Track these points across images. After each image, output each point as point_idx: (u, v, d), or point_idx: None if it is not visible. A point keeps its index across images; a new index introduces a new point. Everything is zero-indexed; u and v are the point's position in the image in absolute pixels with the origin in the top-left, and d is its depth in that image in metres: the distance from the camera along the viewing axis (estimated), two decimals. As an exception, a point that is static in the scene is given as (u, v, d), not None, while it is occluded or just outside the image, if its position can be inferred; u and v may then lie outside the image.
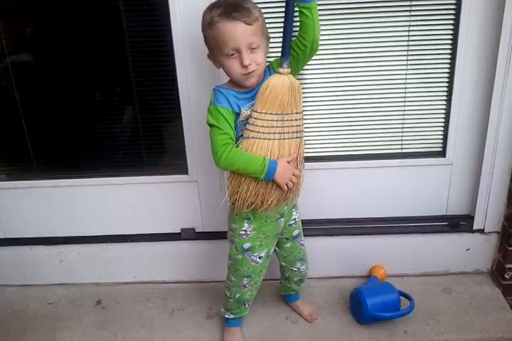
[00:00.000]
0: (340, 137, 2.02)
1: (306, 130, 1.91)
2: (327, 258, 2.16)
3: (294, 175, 1.62)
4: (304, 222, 1.93)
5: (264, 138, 1.59)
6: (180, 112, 1.95)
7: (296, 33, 1.55)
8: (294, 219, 1.85)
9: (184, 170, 2.04)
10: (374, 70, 1.90)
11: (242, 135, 1.62)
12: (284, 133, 1.60)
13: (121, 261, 2.21)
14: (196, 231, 2.14)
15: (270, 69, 1.63)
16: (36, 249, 2.21)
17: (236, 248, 1.77)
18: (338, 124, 1.98)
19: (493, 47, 1.81)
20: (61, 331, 2.01)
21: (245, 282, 1.81)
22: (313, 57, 1.77)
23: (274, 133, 1.59)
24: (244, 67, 1.51)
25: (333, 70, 1.91)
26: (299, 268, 1.92)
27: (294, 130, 1.61)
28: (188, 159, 2.02)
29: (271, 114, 1.57)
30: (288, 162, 1.61)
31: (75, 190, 2.10)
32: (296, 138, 1.62)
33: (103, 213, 2.14)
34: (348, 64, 1.90)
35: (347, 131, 2.00)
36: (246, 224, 1.73)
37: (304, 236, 1.93)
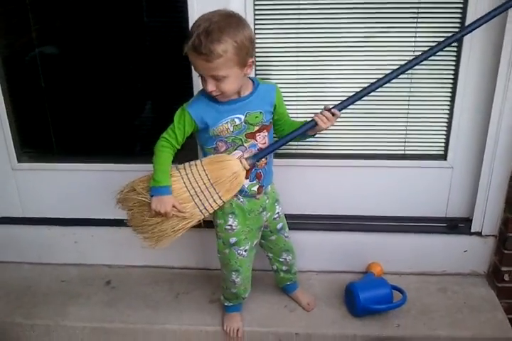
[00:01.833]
0: (346, 136, 2.10)
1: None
2: (328, 252, 2.24)
3: (165, 213, 1.66)
4: (308, 217, 2.02)
5: (184, 182, 1.69)
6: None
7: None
8: (278, 212, 1.93)
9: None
10: (380, 74, 1.97)
11: (215, 148, 1.71)
12: (198, 197, 1.69)
13: (132, 245, 2.28)
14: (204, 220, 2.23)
15: (261, 87, 1.70)
16: (53, 229, 2.33)
17: (223, 242, 1.85)
18: (344, 124, 2.05)
19: (495, 53, 1.87)
20: (71, 307, 2.12)
21: (234, 277, 1.89)
22: (318, 59, 1.88)
23: (193, 188, 1.68)
24: (207, 90, 1.60)
25: (339, 72, 2.00)
26: (285, 259, 2.00)
27: (204, 203, 1.70)
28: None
29: (206, 175, 1.68)
30: (174, 206, 1.66)
31: (92, 175, 2.21)
32: (199, 209, 1.71)
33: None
34: (354, 66, 1.98)
35: (352, 131, 2.08)
36: (231, 219, 1.81)
37: (306, 229, 2.01)
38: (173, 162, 1.72)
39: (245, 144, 1.71)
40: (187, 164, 1.73)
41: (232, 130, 1.67)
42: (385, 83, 1.70)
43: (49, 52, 2.12)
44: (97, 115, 2.19)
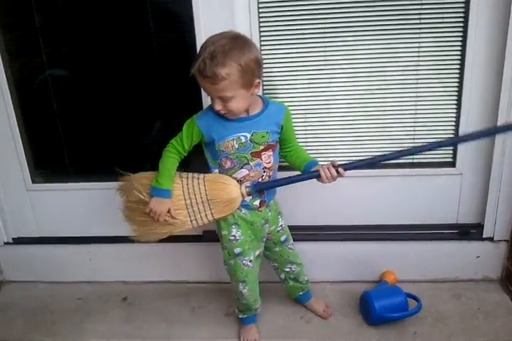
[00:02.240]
0: (356, 147, 2.13)
1: (323, 139, 2.07)
2: (341, 263, 2.25)
3: (159, 214, 1.73)
4: (319, 228, 2.03)
5: (183, 192, 1.76)
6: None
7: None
8: (281, 225, 1.96)
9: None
10: (387, 84, 2.02)
11: (220, 164, 1.76)
12: (192, 209, 1.77)
13: (146, 261, 2.34)
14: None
15: (270, 106, 1.74)
16: (67, 248, 2.36)
17: (228, 253, 1.88)
18: (353, 133, 2.10)
19: (500, 60, 1.91)
20: (88, 323, 2.14)
21: (241, 287, 1.91)
22: (323, 67, 1.91)
23: (190, 199, 1.76)
24: (215, 109, 1.65)
25: (348, 83, 2.03)
26: (290, 268, 2.02)
27: (195, 215, 1.78)
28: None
29: (206, 191, 1.75)
30: (169, 211, 1.73)
31: (105, 193, 2.22)
32: (189, 220, 1.78)
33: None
34: (361, 77, 2.02)
35: (362, 141, 2.11)
36: (234, 230, 1.84)
37: (319, 240, 2.03)
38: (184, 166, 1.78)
39: (251, 163, 1.75)
40: (190, 174, 1.79)
41: (237, 147, 1.71)
42: (395, 158, 1.80)
43: (59, 74, 2.17)
44: (108, 134, 2.23)
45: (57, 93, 2.17)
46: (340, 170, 1.69)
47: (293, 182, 1.76)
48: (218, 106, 1.62)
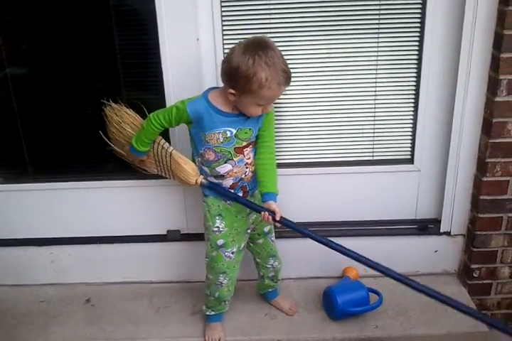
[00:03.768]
0: (315, 145, 2.16)
1: (284, 138, 2.08)
2: (304, 259, 2.28)
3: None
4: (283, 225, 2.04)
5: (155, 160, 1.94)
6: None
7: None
8: None
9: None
10: (346, 83, 2.06)
11: (202, 154, 1.80)
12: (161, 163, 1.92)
13: (110, 261, 2.32)
14: (181, 232, 2.27)
15: None
16: (29, 250, 2.32)
17: (211, 245, 1.90)
18: (313, 133, 2.13)
19: (455, 62, 1.97)
20: (52, 326, 2.12)
21: (221, 278, 1.93)
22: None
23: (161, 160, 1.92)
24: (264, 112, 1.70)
25: (308, 82, 2.06)
26: (272, 265, 2.05)
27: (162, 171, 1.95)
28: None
29: (170, 161, 1.88)
30: (142, 159, 1.92)
31: (67, 193, 2.22)
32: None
33: (93, 215, 2.26)
34: (321, 76, 2.05)
35: (321, 140, 2.15)
36: (218, 221, 1.87)
37: (282, 238, 2.06)
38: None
39: (234, 159, 1.79)
40: (162, 142, 1.89)
41: (221, 141, 1.74)
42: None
43: (19, 72, 2.13)
44: (70, 134, 2.20)
45: (17, 91, 2.13)
46: (277, 223, 1.77)
47: (244, 204, 1.84)
48: (260, 111, 1.70)
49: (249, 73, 1.58)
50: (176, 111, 1.75)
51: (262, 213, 1.76)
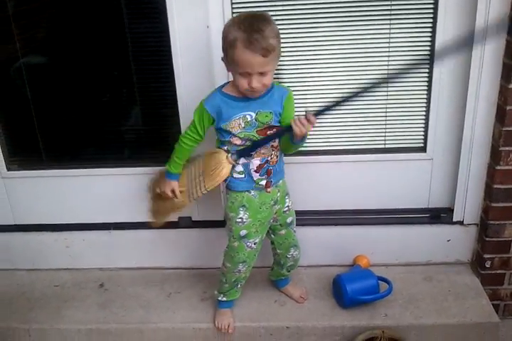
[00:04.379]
0: (329, 133, 2.16)
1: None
2: (316, 247, 2.28)
3: (165, 194, 1.90)
4: (296, 213, 2.06)
5: (187, 173, 1.91)
6: (178, 110, 2.10)
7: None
8: (288, 206, 1.98)
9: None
10: (358, 70, 2.04)
11: (229, 141, 1.79)
12: (192, 183, 1.89)
13: (123, 247, 2.35)
14: (193, 219, 2.29)
15: (275, 89, 1.77)
16: (44, 235, 2.36)
17: (233, 236, 1.91)
18: (326, 122, 2.11)
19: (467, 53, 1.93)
20: (65, 310, 2.16)
21: (240, 267, 1.94)
22: (301, 57, 1.94)
23: (192, 175, 1.89)
24: (251, 87, 1.67)
25: (319, 70, 2.05)
26: (292, 255, 2.05)
27: (193, 189, 1.88)
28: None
29: (200, 167, 1.87)
30: (173, 191, 1.89)
31: (81, 180, 2.25)
32: (190, 193, 1.89)
33: (107, 202, 2.29)
34: (332, 62, 2.03)
35: (333, 128, 2.14)
36: (242, 212, 1.87)
37: (296, 225, 2.06)
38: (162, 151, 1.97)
39: None
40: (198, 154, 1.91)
41: (243, 126, 1.74)
42: (362, 94, 1.75)
43: (33, 61, 2.16)
44: (84, 121, 2.23)
45: (32, 80, 2.16)
46: (308, 116, 1.68)
47: (271, 139, 1.78)
48: (257, 83, 1.65)
49: (224, 33, 1.63)
50: (196, 114, 1.78)
51: (292, 122, 1.70)
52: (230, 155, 1.80)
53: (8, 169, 2.28)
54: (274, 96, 1.76)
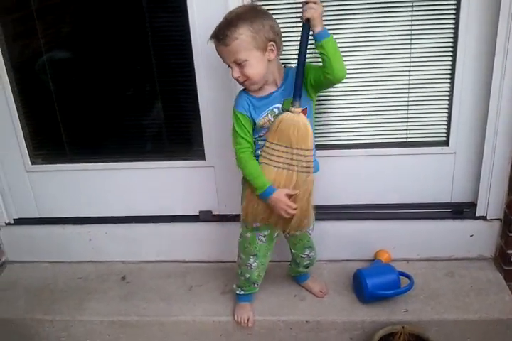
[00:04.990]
0: (350, 127, 2.14)
1: (318, 120, 2.05)
2: (337, 242, 2.28)
3: (288, 208, 1.75)
4: (316, 207, 2.05)
5: (274, 166, 1.74)
6: (198, 105, 2.10)
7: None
8: None
9: (201, 156, 2.20)
10: (379, 63, 2.01)
11: (260, 137, 1.77)
12: (292, 165, 1.73)
13: (144, 240, 2.38)
14: (213, 213, 2.30)
15: (290, 72, 1.74)
16: (68, 228, 2.40)
17: (246, 226, 1.91)
18: (347, 115, 2.11)
19: (491, 42, 1.90)
20: (88, 302, 2.19)
21: (251, 260, 1.95)
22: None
23: (283, 163, 1.73)
24: (233, 77, 1.67)
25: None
26: (307, 255, 2.04)
27: (303, 165, 1.73)
28: (205, 146, 2.17)
29: (280, 145, 1.72)
30: (288, 195, 1.74)
31: (103, 174, 2.28)
32: (305, 172, 1.74)
33: (129, 195, 2.31)
34: (356, 52, 2.00)
35: (354, 121, 2.12)
36: None
37: (316, 220, 2.05)
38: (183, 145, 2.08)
39: None
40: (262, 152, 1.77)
41: (272, 120, 1.74)
42: None
43: (57, 56, 2.19)
44: (107, 115, 2.26)
45: (55, 74, 2.19)
46: None
47: (303, 48, 1.64)
48: (236, 73, 1.65)
49: None
50: (235, 122, 1.76)
51: (305, 11, 1.60)
52: (292, 109, 1.68)
53: (33, 163, 2.31)
54: (290, 79, 1.73)
